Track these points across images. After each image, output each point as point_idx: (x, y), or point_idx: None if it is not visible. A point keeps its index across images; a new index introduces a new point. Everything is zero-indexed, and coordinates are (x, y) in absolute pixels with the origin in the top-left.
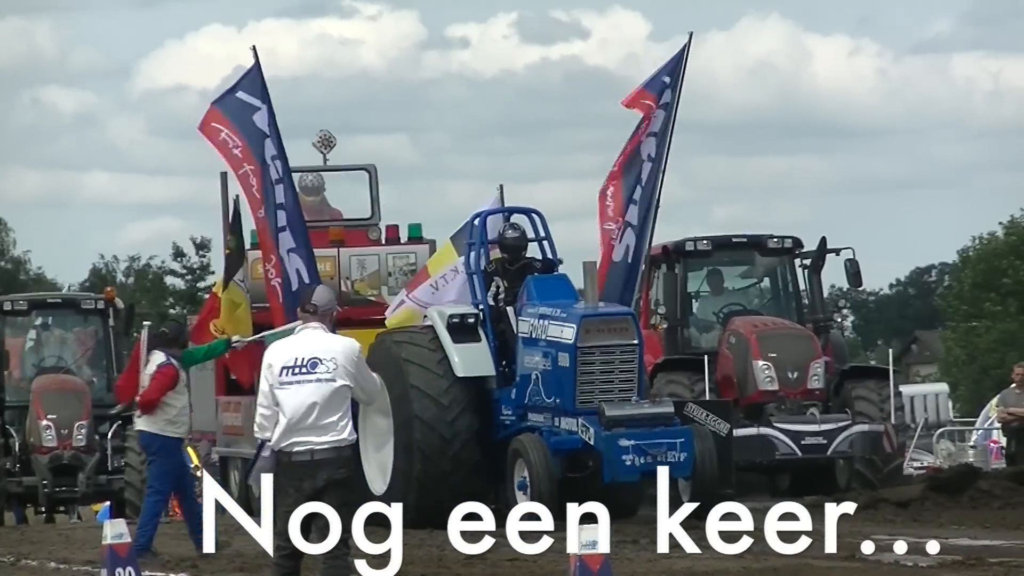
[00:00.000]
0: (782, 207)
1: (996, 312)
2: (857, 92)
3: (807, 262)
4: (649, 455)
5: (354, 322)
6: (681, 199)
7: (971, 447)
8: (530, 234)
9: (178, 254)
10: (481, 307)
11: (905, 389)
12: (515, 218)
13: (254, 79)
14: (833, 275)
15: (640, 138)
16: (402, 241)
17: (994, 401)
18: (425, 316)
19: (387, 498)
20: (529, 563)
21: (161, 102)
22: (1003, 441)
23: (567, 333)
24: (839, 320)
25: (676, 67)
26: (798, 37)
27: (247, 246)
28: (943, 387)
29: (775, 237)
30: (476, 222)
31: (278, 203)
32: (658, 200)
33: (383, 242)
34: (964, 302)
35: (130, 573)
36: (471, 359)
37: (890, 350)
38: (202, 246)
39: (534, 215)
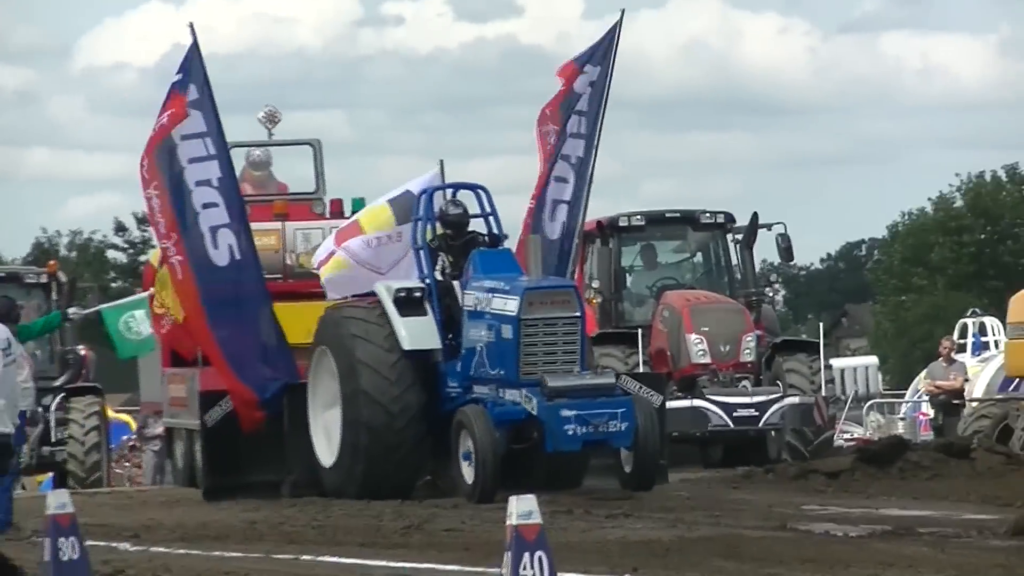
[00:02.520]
0: (713, 183)
1: (924, 286)
2: (787, 70)
3: (739, 237)
4: (591, 425)
5: (299, 295)
6: (612, 175)
7: (900, 419)
8: (475, 210)
9: (119, 228)
10: (427, 281)
11: (835, 362)
12: (460, 194)
13: (187, 59)
14: (765, 250)
15: (556, 112)
16: (346, 215)
17: (922, 374)
18: (369, 287)
19: (335, 471)
20: (465, 533)
21: (101, 79)
22: (931, 413)
23: (510, 305)
24: (771, 294)
25: (607, 44)
26: (729, 15)
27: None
28: (873, 360)
29: (708, 212)
30: (422, 197)
31: (199, 180)
32: (591, 177)
33: (327, 216)
34: (893, 276)
35: (73, 543)
36: (417, 332)
37: (820, 324)
38: (143, 220)
39: (480, 191)
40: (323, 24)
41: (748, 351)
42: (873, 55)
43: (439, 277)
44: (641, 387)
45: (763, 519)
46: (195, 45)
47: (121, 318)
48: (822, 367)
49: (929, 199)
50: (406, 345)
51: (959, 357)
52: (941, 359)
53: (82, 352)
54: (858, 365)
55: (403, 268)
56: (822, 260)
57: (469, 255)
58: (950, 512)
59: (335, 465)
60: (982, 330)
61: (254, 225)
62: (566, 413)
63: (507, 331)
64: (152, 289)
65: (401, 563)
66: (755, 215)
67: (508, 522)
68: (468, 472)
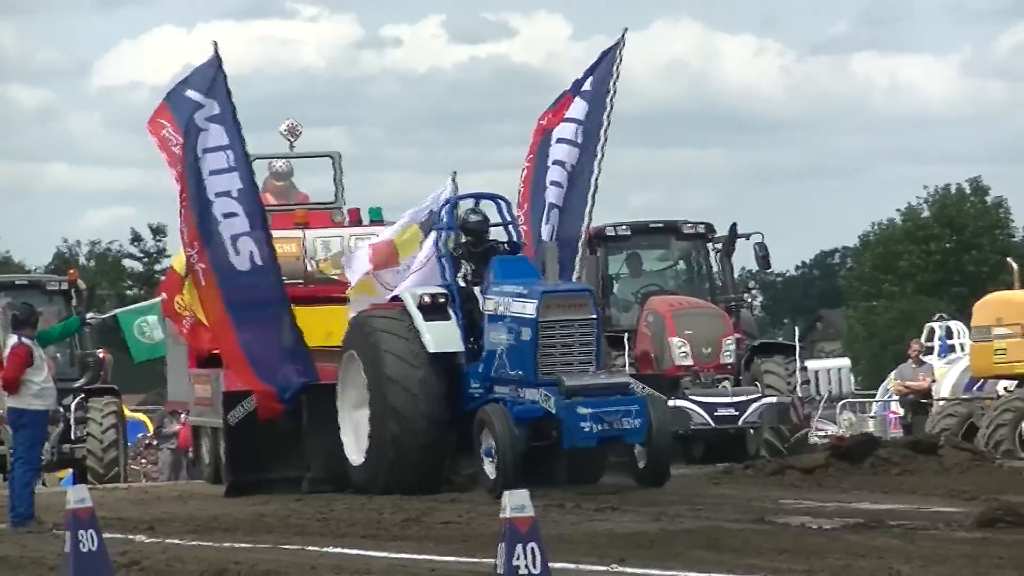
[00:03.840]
0: (694, 195)
1: (894, 292)
2: (763, 88)
3: (719, 246)
4: (606, 422)
5: (318, 299)
6: (601, 186)
7: (871, 417)
8: (495, 219)
9: (135, 239)
10: (450, 287)
11: (810, 364)
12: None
13: (205, 74)
14: (743, 258)
15: (545, 125)
16: (364, 223)
17: (892, 375)
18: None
19: (363, 469)
20: (462, 526)
21: (117, 98)
22: (901, 412)
23: (529, 309)
24: (749, 300)
25: (600, 62)
26: (707, 37)
27: None
28: (845, 362)
29: (689, 223)
30: (445, 207)
31: (219, 192)
32: (595, 186)
33: (346, 224)
34: (864, 283)
35: (91, 535)
36: (441, 336)
37: (796, 327)
38: (158, 231)
39: (499, 201)
40: (326, 46)
41: (728, 353)
42: (843, 74)
43: (461, 283)
44: (645, 387)
45: (742, 512)
46: (219, 63)
47: (135, 322)
48: (798, 368)
49: (898, 210)
50: (431, 348)
51: (927, 359)
52: (910, 361)
53: (100, 355)
54: (831, 367)
55: (422, 275)
56: (797, 268)
57: (489, 262)
58: (918, 505)
59: (364, 464)
60: (948, 334)
61: (276, 233)
62: (582, 411)
63: (526, 333)
64: (164, 295)
65: (400, 554)
66: (734, 225)
67: (502, 515)
68: (490, 468)
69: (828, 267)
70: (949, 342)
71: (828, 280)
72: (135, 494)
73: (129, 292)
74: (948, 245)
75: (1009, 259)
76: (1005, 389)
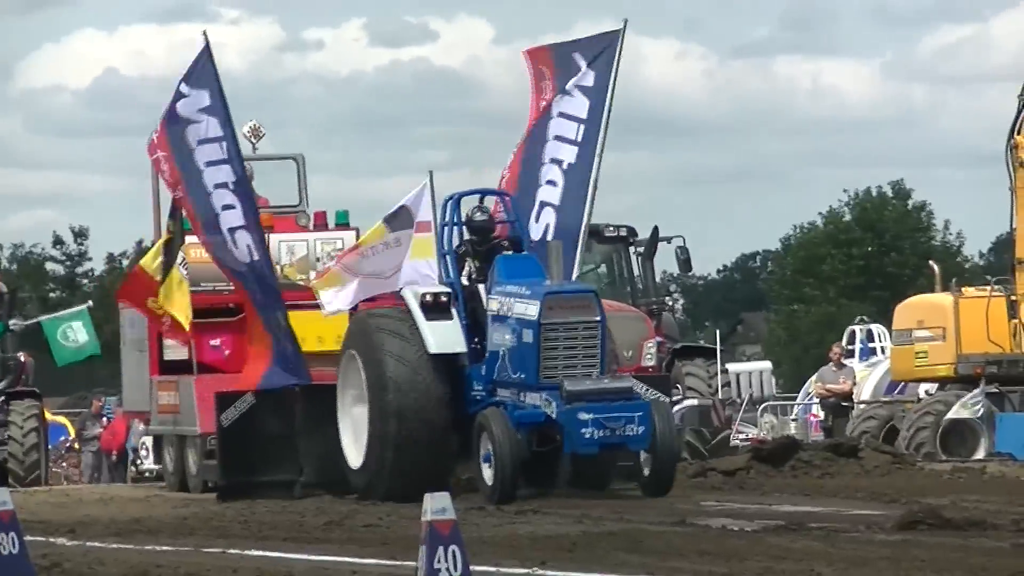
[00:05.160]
0: (616, 197)
1: (815, 296)
2: (685, 91)
3: (641, 249)
4: (608, 428)
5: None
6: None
7: (792, 420)
8: (500, 216)
9: (57, 242)
10: (453, 286)
11: (731, 367)
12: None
13: (195, 65)
14: (665, 261)
15: (539, 114)
16: (330, 227)
17: (813, 378)
18: (399, 294)
19: (362, 472)
20: (383, 529)
21: (39, 100)
22: (821, 415)
23: (531, 310)
24: (670, 303)
25: (601, 54)
26: (630, 41)
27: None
28: (767, 365)
29: (611, 226)
30: (449, 203)
31: (217, 183)
32: (595, 183)
33: (311, 228)
34: (786, 287)
35: (13, 538)
36: (443, 337)
37: (717, 331)
38: (80, 234)
39: (505, 197)
40: (248, 49)
41: (649, 356)
42: (766, 77)
43: (465, 282)
44: (647, 388)
45: (664, 515)
46: (208, 53)
47: (60, 328)
48: (719, 371)
49: (820, 214)
50: (432, 349)
51: (848, 362)
52: (831, 364)
53: (21, 358)
54: (753, 370)
55: (405, 273)
56: (719, 271)
57: (494, 260)
58: (839, 508)
59: (362, 466)
60: (869, 337)
61: None
62: (583, 416)
63: (528, 335)
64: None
65: (322, 556)
66: (656, 229)
67: (423, 518)
68: (488, 474)
69: (749, 270)
70: (870, 345)
71: (749, 283)
72: (56, 497)
73: (52, 295)
74: (870, 248)
75: (931, 262)
76: (926, 392)
